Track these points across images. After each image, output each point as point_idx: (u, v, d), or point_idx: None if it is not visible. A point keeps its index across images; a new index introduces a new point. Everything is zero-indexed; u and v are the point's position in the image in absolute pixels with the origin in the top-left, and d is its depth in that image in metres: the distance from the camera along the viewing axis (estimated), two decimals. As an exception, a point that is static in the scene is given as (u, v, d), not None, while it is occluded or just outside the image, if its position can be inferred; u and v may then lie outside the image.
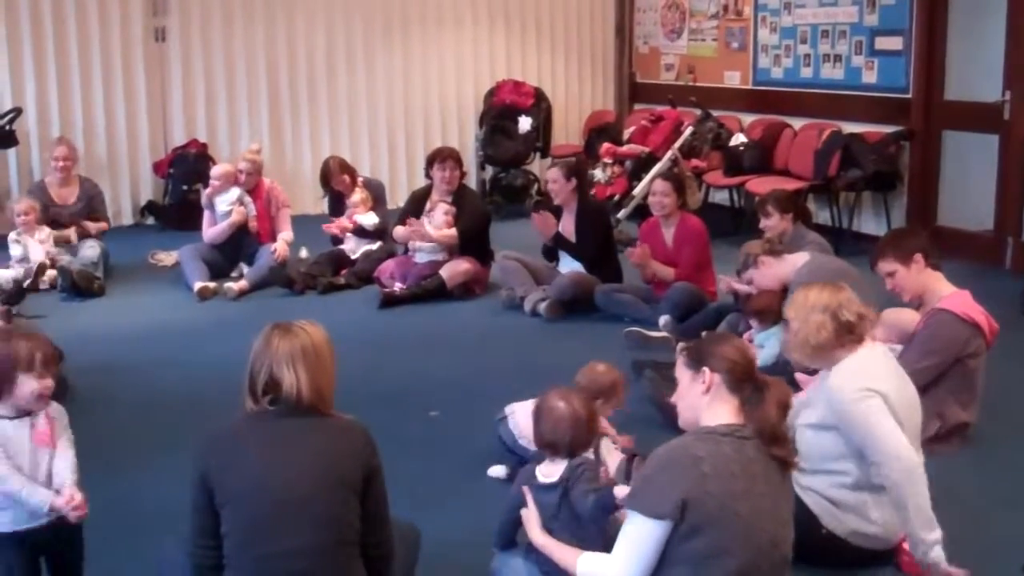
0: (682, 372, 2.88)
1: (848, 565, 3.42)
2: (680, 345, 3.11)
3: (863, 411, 3.34)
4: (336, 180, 7.77)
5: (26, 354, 2.95)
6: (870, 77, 8.58)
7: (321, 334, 2.83)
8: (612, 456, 3.83)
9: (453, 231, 7.09)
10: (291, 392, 2.72)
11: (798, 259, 5.10)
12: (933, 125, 8.16)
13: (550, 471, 3.05)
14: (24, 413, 2.99)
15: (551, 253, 6.96)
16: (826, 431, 3.39)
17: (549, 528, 3.00)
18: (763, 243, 5.34)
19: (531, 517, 3.03)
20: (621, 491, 2.86)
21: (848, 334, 3.45)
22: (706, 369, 2.79)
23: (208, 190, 7.66)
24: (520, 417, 4.01)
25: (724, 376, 2.77)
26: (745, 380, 2.77)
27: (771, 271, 5.12)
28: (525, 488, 3.06)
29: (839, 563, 3.39)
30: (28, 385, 2.94)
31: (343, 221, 7.68)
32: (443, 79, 10.76)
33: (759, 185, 8.33)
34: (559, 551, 2.93)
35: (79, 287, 6.92)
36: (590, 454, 3.25)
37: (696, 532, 2.58)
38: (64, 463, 3.03)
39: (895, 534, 3.47)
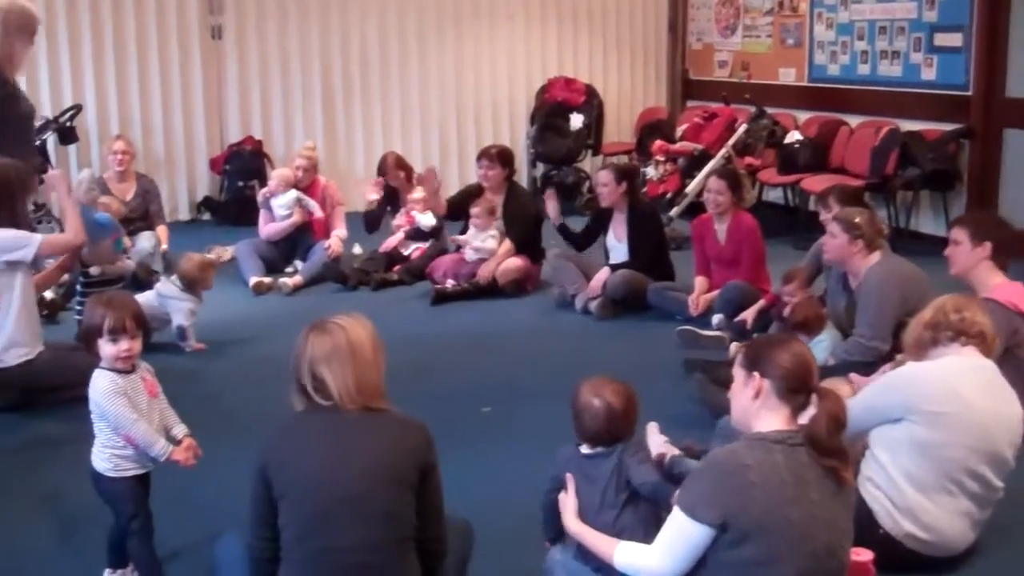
0: (737, 371, 2.86)
1: (904, 568, 3.36)
2: (740, 344, 3.08)
3: (885, 380, 3.44)
4: (391, 175, 7.83)
5: (99, 321, 3.22)
6: (929, 74, 8.47)
7: (361, 329, 2.82)
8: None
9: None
10: (333, 390, 2.73)
11: (871, 258, 4.99)
12: (993, 123, 8.04)
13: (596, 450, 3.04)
14: (131, 369, 3.29)
15: (568, 235, 6.99)
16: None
17: (594, 505, 2.97)
18: (859, 221, 4.96)
19: (568, 503, 3.01)
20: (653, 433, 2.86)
21: (943, 331, 3.44)
22: (756, 374, 2.76)
23: (264, 190, 7.79)
24: None
25: (774, 383, 2.73)
26: (798, 390, 2.72)
27: (836, 242, 5.01)
28: (568, 475, 3.04)
29: (895, 565, 3.33)
30: (105, 349, 3.23)
31: (394, 239, 7.72)
32: (495, 76, 10.77)
33: (814, 183, 8.26)
34: (594, 539, 2.89)
35: (138, 279, 7.01)
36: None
37: (745, 539, 2.57)
38: (173, 415, 3.41)
39: (953, 543, 3.42)
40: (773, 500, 2.56)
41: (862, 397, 3.53)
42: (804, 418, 2.73)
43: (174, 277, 5.89)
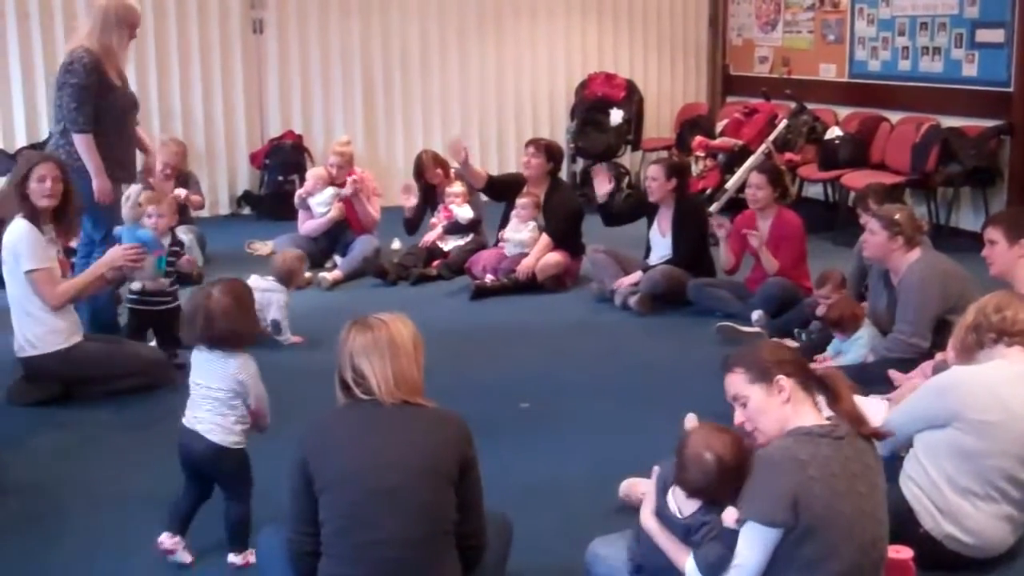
0: (749, 389, 2.80)
1: (944, 567, 3.35)
2: (730, 369, 2.94)
3: (930, 387, 3.43)
4: (430, 174, 7.87)
5: None
6: (970, 70, 8.40)
7: (401, 326, 2.86)
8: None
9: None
10: (372, 382, 2.77)
11: (911, 254, 4.96)
12: (1035, 119, 7.97)
13: (682, 504, 2.84)
14: None
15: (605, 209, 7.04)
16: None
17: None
18: (898, 218, 4.96)
19: (648, 499, 2.95)
20: (730, 515, 2.71)
21: (986, 332, 3.41)
22: (780, 377, 2.75)
23: (300, 191, 7.87)
24: None
25: (795, 379, 2.76)
26: (809, 377, 2.78)
27: (875, 240, 4.99)
28: (656, 475, 2.96)
29: (935, 565, 3.32)
30: None
31: (433, 234, 7.77)
32: (535, 71, 10.79)
33: (855, 179, 8.22)
34: (667, 543, 2.83)
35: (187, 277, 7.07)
36: None
37: (807, 535, 2.58)
38: None
39: (994, 546, 3.40)
40: (827, 494, 2.58)
41: (907, 404, 3.51)
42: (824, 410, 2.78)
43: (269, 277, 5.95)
